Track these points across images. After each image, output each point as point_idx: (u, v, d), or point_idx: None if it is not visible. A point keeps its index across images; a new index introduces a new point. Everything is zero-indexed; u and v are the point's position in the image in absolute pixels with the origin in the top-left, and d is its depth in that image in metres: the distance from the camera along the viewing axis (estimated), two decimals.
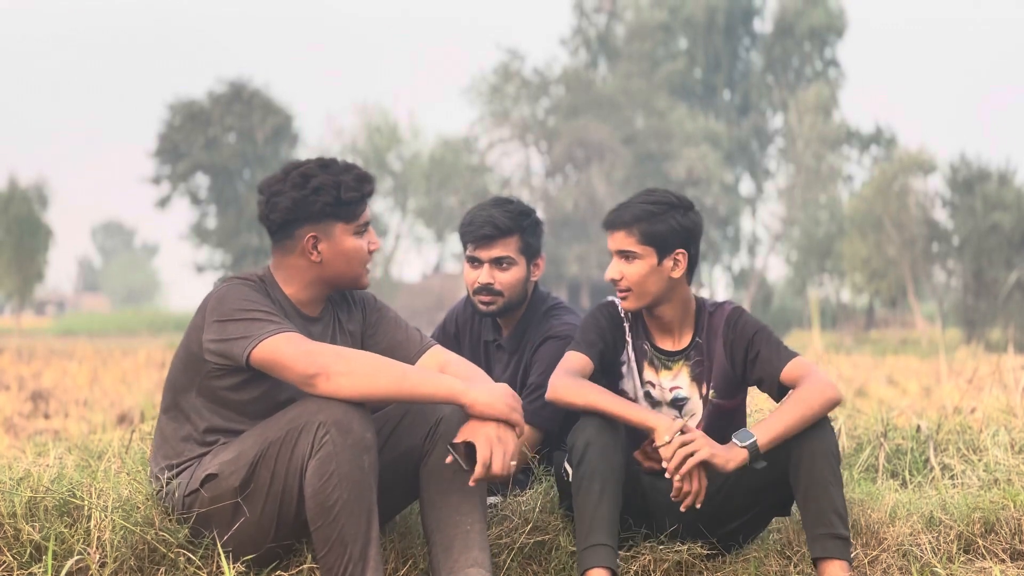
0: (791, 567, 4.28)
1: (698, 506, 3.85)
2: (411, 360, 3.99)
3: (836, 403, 3.98)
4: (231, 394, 3.75)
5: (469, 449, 3.65)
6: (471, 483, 3.65)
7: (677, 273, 4.16)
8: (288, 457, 3.57)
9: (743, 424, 4.36)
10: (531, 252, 4.74)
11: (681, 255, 4.15)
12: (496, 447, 3.61)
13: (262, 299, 3.75)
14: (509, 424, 3.66)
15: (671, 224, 4.12)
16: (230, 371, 3.71)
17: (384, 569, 3.57)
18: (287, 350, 3.58)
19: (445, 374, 3.77)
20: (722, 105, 66.42)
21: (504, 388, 3.72)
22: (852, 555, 4.07)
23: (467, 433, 3.65)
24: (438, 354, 4.02)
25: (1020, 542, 4.60)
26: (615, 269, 4.16)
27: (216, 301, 3.72)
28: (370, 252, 3.93)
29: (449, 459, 3.67)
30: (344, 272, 3.89)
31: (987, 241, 40.83)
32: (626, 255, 4.14)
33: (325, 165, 3.86)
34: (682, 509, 3.85)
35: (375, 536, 3.55)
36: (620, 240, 4.15)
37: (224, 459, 3.67)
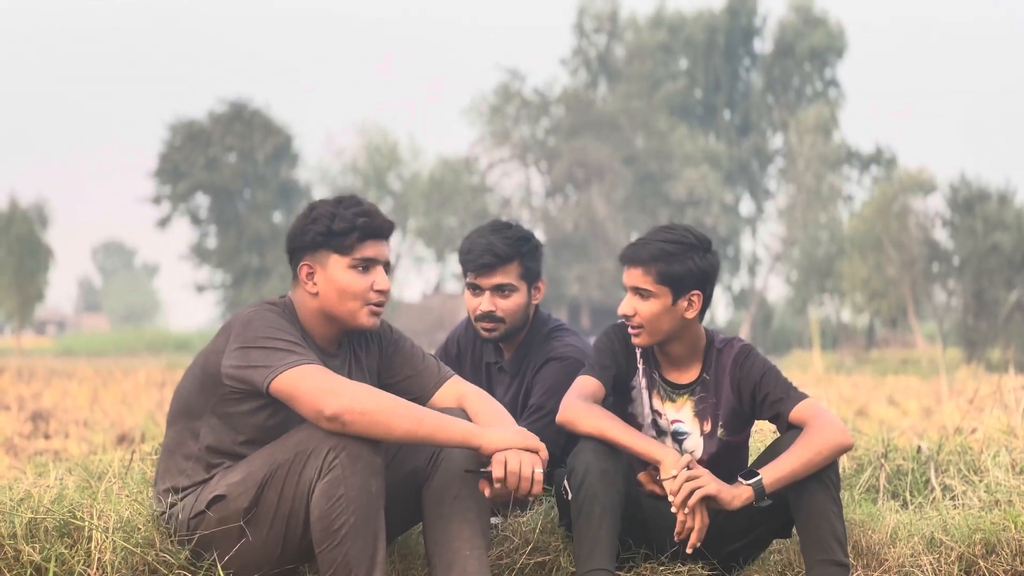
0: None
1: (698, 544, 3.85)
2: (428, 392, 3.97)
3: (846, 449, 3.96)
4: (247, 419, 3.73)
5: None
6: (494, 488, 3.63)
7: (691, 314, 4.14)
8: (296, 480, 3.57)
9: (747, 456, 4.36)
10: (531, 277, 4.74)
11: (696, 296, 4.12)
12: (524, 460, 3.60)
13: (288, 327, 3.73)
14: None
15: (688, 266, 4.08)
16: (248, 396, 3.69)
17: None
18: (307, 385, 3.56)
19: (460, 419, 3.71)
20: (722, 125, 66.48)
21: (520, 432, 3.69)
22: None
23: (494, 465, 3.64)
24: (456, 385, 4.00)
25: (1021, 563, 4.59)
26: (629, 305, 4.13)
27: (241, 326, 3.70)
28: (376, 292, 3.87)
29: (481, 484, 3.67)
30: (337, 307, 3.84)
31: (987, 261, 40.85)
32: (641, 293, 4.10)
33: (340, 200, 3.87)
34: (688, 551, 3.86)
35: (380, 561, 3.54)
36: (636, 277, 4.11)
37: (232, 481, 3.67)
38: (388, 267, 3.96)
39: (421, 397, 3.94)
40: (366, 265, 3.85)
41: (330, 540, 3.50)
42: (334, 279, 3.83)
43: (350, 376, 3.91)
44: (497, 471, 3.59)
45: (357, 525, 3.50)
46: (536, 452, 3.66)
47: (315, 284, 3.84)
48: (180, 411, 3.84)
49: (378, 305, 3.90)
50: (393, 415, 3.56)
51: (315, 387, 3.55)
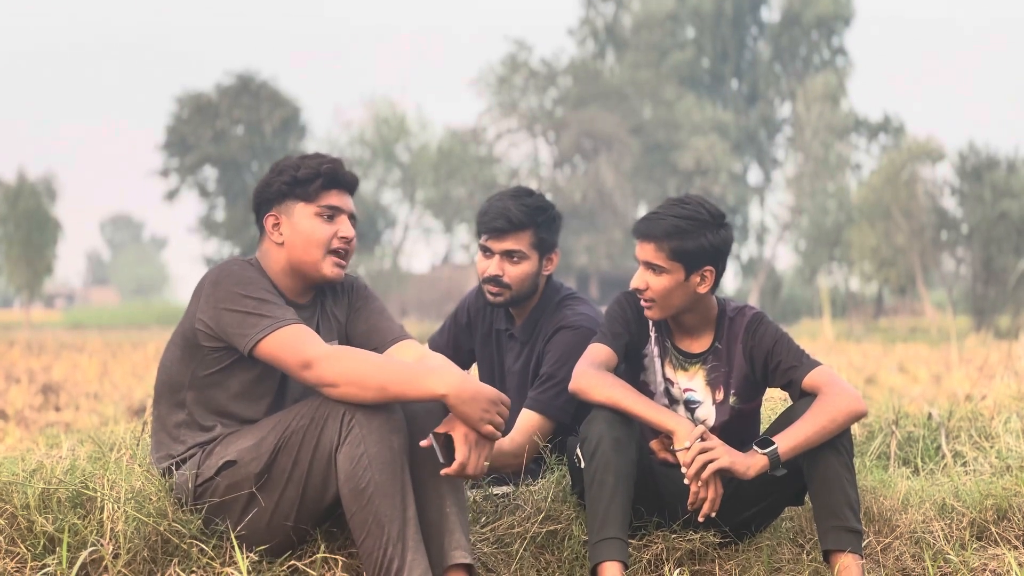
0: (803, 555, 4.28)
1: (712, 514, 3.85)
2: (383, 348, 3.96)
3: (861, 416, 3.95)
4: (229, 376, 3.76)
5: (448, 441, 3.62)
6: (441, 473, 3.61)
7: (703, 288, 4.12)
8: (314, 444, 3.57)
9: (759, 423, 4.36)
10: (545, 247, 4.72)
11: (709, 272, 4.10)
12: (474, 449, 3.58)
13: (258, 277, 3.75)
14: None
15: (702, 242, 4.05)
16: (226, 353, 3.72)
17: (424, 550, 3.52)
18: (284, 354, 3.60)
19: (419, 370, 3.62)
20: (730, 94, 66.32)
21: (489, 394, 3.62)
22: (864, 544, 4.06)
23: (448, 425, 3.61)
24: (415, 347, 3.96)
25: None
26: (641, 279, 4.11)
27: (211, 286, 3.71)
28: (341, 240, 3.88)
29: (426, 443, 3.61)
30: (302, 255, 3.86)
31: (996, 229, 40.82)
32: (653, 268, 4.08)
33: (304, 155, 3.92)
34: (699, 519, 3.86)
35: (412, 516, 3.52)
36: (649, 253, 4.08)
37: (243, 446, 3.67)
38: (353, 219, 3.98)
39: (376, 351, 3.93)
40: (331, 214, 3.89)
41: (359, 501, 3.49)
42: (299, 227, 3.86)
43: (318, 327, 3.93)
44: (456, 457, 3.57)
45: (383, 482, 3.49)
46: (490, 439, 3.61)
47: (281, 234, 3.87)
48: (164, 383, 3.85)
49: (343, 254, 3.92)
50: (360, 386, 3.54)
51: (292, 356, 3.58)
